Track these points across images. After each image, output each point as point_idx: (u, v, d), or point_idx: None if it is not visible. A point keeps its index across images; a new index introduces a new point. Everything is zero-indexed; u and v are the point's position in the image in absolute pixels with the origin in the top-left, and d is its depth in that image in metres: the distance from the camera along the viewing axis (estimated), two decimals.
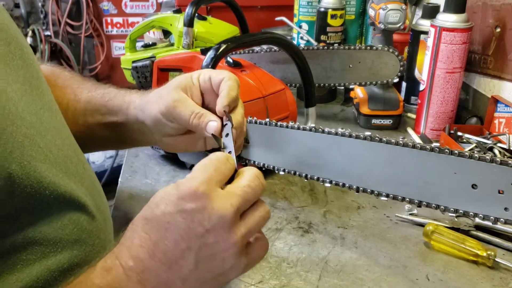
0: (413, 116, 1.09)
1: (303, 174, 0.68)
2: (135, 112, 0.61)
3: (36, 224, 0.44)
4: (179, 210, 0.40)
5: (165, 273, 0.41)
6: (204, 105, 0.57)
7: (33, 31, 2.76)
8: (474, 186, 0.54)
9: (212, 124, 0.53)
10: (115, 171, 2.19)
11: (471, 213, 0.55)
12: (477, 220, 0.67)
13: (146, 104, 0.59)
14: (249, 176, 0.43)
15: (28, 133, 0.43)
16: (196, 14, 1.10)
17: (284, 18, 1.28)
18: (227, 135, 0.52)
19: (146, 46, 1.28)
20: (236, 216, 0.41)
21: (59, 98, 0.63)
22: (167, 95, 0.57)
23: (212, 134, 0.53)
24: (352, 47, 0.99)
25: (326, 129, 0.64)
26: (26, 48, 0.50)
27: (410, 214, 0.72)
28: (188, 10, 1.08)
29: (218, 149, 0.52)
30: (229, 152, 0.49)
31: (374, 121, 1.05)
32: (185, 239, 0.40)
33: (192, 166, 0.87)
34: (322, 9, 1.19)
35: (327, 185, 0.66)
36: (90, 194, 0.50)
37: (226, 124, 0.53)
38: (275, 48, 1.02)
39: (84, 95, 0.66)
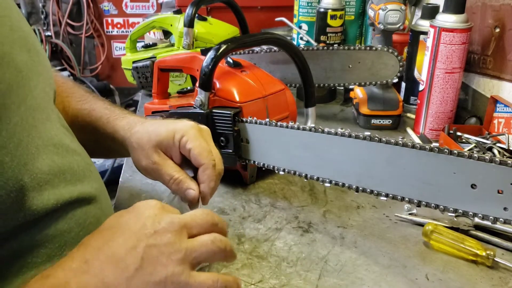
0: (413, 116, 1.09)
1: (303, 174, 0.69)
2: (122, 140, 0.63)
3: (43, 228, 0.44)
4: (133, 216, 0.44)
5: (110, 272, 0.41)
6: (182, 161, 0.59)
7: (33, 32, 2.76)
8: (473, 186, 0.54)
9: (191, 192, 0.56)
10: (116, 170, 2.19)
11: (470, 212, 0.55)
12: (477, 219, 0.67)
13: (131, 147, 0.61)
14: (199, 210, 0.47)
15: (39, 144, 0.43)
16: (196, 15, 1.11)
17: (284, 19, 1.28)
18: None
19: (147, 47, 1.28)
20: (183, 229, 0.44)
21: None
22: (149, 152, 0.58)
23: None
24: (352, 48, 1.00)
25: (326, 129, 0.65)
26: (42, 56, 0.50)
27: (410, 214, 0.72)
28: (188, 10, 1.08)
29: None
30: None
31: (374, 121, 1.06)
32: (134, 237, 0.42)
33: None
34: (322, 10, 1.19)
35: (327, 185, 0.66)
36: (96, 197, 0.51)
37: None
38: (275, 48, 1.03)
39: (72, 107, 0.66)
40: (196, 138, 0.57)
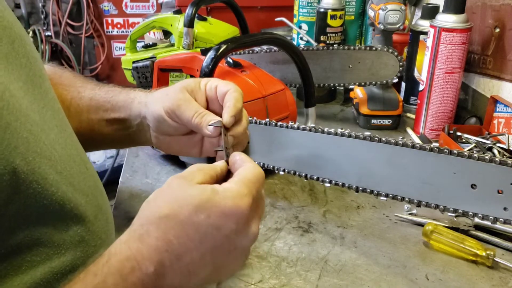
0: (413, 116, 1.09)
1: (303, 174, 0.69)
2: (139, 106, 0.61)
3: (41, 224, 0.44)
4: (222, 227, 0.41)
5: (180, 283, 0.41)
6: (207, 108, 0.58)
7: (33, 32, 2.76)
8: (473, 186, 0.54)
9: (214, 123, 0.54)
10: (116, 170, 2.19)
11: (470, 213, 0.55)
12: (477, 219, 0.67)
13: (151, 100, 0.60)
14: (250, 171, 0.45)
15: (33, 130, 0.43)
16: (196, 15, 1.11)
17: (284, 19, 1.28)
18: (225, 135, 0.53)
19: (147, 47, 1.28)
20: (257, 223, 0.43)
21: (62, 96, 0.64)
22: (173, 94, 0.57)
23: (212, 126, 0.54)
24: (352, 48, 1.00)
25: (326, 129, 0.65)
26: (29, 46, 0.50)
27: (410, 214, 0.72)
28: (188, 10, 1.08)
29: (214, 159, 0.55)
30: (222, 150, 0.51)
31: (374, 121, 1.06)
32: (213, 254, 0.41)
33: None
34: (322, 10, 1.19)
35: (327, 185, 0.66)
36: (92, 194, 0.50)
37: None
38: (275, 48, 1.03)
39: (88, 92, 0.66)
40: (219, 81, 0.58)
